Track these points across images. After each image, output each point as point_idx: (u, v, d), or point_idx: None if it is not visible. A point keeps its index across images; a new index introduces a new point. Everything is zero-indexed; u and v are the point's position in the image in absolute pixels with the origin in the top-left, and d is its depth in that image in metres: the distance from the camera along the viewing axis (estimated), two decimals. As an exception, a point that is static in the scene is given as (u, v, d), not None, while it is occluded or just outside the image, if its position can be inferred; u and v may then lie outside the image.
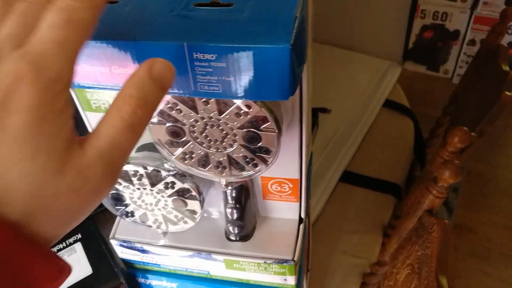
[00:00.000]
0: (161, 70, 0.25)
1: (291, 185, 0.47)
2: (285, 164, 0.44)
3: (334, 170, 1.03)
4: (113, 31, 0.30)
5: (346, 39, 1.38)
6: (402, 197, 1.03)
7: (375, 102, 1.22)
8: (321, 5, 1.30)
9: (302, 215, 0.50)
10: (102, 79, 0.31)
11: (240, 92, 0.30)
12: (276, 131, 0.35)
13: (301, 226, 0.50)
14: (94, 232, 0.56)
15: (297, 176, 0.46)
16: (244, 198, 0.47)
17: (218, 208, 0.51)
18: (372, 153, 1.11)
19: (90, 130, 0.46)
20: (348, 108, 1.18)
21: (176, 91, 0.31)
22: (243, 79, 0.29)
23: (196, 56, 0.29)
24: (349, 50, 1.37)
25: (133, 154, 0.43)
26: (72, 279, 0.51)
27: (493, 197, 1.59)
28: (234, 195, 0.46)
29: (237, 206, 0.47)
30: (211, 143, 0.38)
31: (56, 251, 0.54)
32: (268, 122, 0.35)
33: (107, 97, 0.42)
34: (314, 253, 0.87)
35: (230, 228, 0.49)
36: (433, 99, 1.90)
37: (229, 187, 0.45)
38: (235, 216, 0.47)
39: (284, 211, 0.51)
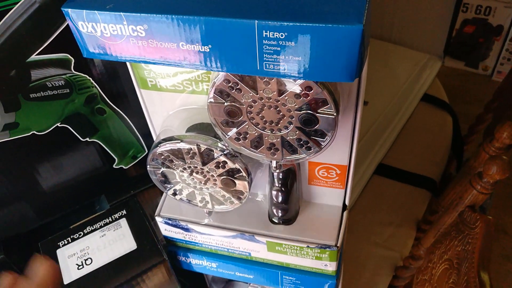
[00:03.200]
0: None
1: (338, 172, 0.47)
2: (335, 150, 0.44)
3: (369, 162, 1.02)
4: (182, 6, 0.30)
5: (386, 31, 1.36)
6: (438, 193, 1.02)
7: (413, 96, 1.19)
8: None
9: (347, 202, 0.50)
10: (169, 55, 0.32)
11: (306, 72, 0.30)
12: (335, 114, 0.35)
13: (345, 213, 0.50)
14: (139, 209, 0.57)
15: (346, 163, 0.46)
16: (290, 181, 0.47)
17: (263, 190, 0.52)
18: (408, 147, 1.09)
19: (144, 108, 0.47)
20: (386, 100, 1.16)
21: (240, 70, 0.31)
22: (311, 59, 0.29)
23: (266, 35, 0.29)
24: (388, 42, 1.34)
25: (185, 133, 0.44)
26: (118, 252, 0.53)
27: (528, 200, 1.55)
28: (281, 177, 0.46)
29: (283, 189, 0.47)
30: (266, 124, 0.38)
31: (102, 224, 0.56)
32: (328, 104, 0.35)
33: (164, 75, 0.42)
34: (346, 243, 0.87)
35: (274, 211, 0.49)
36: (471, 96, 1.85)
37: (278, 170, 0.45)
38: (280, 199, 0.48)
39: (328, 197, 0.51)
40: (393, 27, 1.36)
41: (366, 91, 1.18)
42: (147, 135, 0.56)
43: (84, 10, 0.31)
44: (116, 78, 0.50)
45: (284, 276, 0.53)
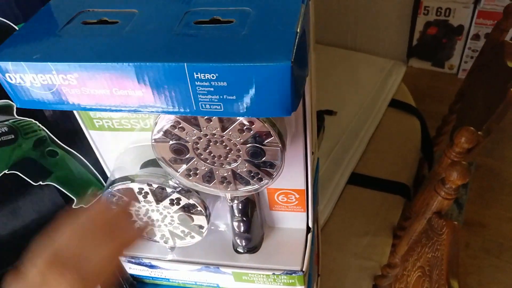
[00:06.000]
0: None
1: (297, 196, 0.47)
2: (291, 175, 0.44)
3: (341, 172, 1.02)
4: (113, 52, 0.30)
5: (350, 39, 1.37)
6: (411, 197, 1.02)
7: (381, 102, 1.21)
8: (324, 7, 1.29)
9: (310, 225, 0.50)
10: (103, 100, 0.31)
11: (242, 110, 0.30)
12: (280, 145, 0.35)
13: (309, 235, 0.50)
14: (103, 247, 0.56)
15: (303, 187, 0.45)
16: (250, 210, 0.46)
17: (225, 220, 0.51)
18: (379, 154, 1.10)
19: (95, 148, 0.45)
20: (354, 109, 1.17)
21: (178, 110, 0.31)
22: (245, 97, 0.29)
23: (197, 76, 0.28)
24: (353, 50, 1.36)
25: (138, 171, 0.43)
26: (82, 295, 0.51)
27: (503, 192, 1.58)
28: (240, 208, 0.46)
29: (244, 219, 0.46)
30: (215, 159, 0.37)
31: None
32: (272, 137, 0.34)
33: (110, 115, 0.42)
34: (324, 256, 0.87)
35: (238, 241, 0.49)
36: (439, 95, 1.88)
37: (235, 201, 0.44)
38: (242, 228, 0.47)
39: (291, 221, 0.50)
40: (357, 36, 1.38)
41: (334, 101, 1.18)
42: (105, 172, 0.54)
43: (10, 62, 0.30)
44: (65, 119, 0.49)
45: (255, 304, 0.52)
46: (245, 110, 0.30)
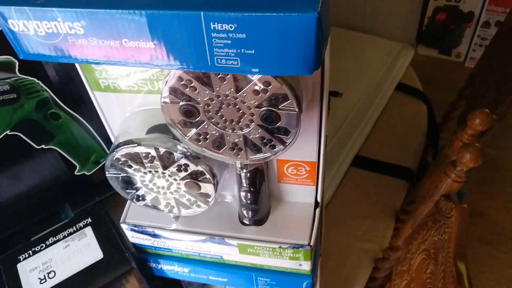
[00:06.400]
0: None
1: (308, 168, 0.45)
2: (302, 147, 0.42)
3: (345, 154, 1.01)
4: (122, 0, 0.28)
5: (358, 21, 1.35)
6: (415, 182, 1.01)
7: (388, 85, 1.19)
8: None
9: (319, 199, 0.49)
10: (112, 53, 0.30)
11: (261, 66, 0.28)
12: (297, 109, 0.33)
13: (317, 210, 0.49)
14: (105, 216, 0.55)
15: (314, 159, 0.44)
16: (259, 181, 0.45)
17: (231, 191, 0.50)
18: (384, 137, 1.09)
19: (99, 111, 0.44)
20: (360, 91, 1.15)
21: (191, 66, 0.29)
22: (265, 52, 0.27)
23: (214, 27, 0.26)
24: (361, 32, 1.33)
25: (144, 136, 0.42)
26: (83, 263, 0.50)
27: (504, 183, 1.57)
28: (248, 178, 0.44)
29: (252, 189, 0.45)
30: (227, 123, 0.36)
31: (66, 235, 0.53)
32: (289, 100, 0.33)
33: (117, 76, 0.40)
34: (325, 238, 0.86)
35: (244, 212, 0.47)
36: (445, 84, 1.86)
37: (244, 170, 0.43)
38: (249, 199, 0.46)
39: (299, 195, 0.49)
40: (365, 17, 1.35)
41: (340, 83, 1.16)
42: (109, 138, 0.53)
43: (13, 7, 0.28)
44: (69, 81, 0.47)
45: (258, 278, 0.51)
46: (264, 66, 0.28)
